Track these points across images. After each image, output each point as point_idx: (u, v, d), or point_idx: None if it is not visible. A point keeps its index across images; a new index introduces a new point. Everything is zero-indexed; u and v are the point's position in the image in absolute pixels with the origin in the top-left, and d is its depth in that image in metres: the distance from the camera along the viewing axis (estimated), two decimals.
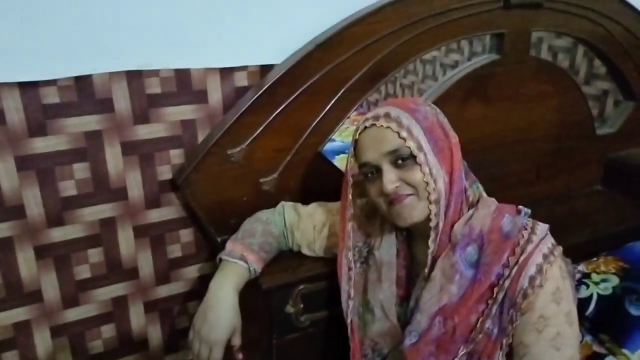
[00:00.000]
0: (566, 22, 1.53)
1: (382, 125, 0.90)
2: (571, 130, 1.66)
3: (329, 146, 2.14)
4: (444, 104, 1.38)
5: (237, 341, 1.04)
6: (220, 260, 1.08)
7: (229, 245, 1.11)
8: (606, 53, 1.65)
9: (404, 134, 0.89)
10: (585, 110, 1.67)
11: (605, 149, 1.76)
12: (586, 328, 1.37)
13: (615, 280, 1.37)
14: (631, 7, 1.62)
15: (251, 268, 1.07)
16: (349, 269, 1.05)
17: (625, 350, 1.26)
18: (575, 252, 1.44)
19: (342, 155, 2.17)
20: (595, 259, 1.45)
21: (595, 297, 1.35)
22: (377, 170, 0.92)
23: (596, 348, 1.32)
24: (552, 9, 1.48)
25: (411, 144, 0.89)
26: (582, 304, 1.35)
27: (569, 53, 2.18)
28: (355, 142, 0.95)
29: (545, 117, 1.59)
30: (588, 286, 1.37)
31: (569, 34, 1.59)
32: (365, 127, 0.93)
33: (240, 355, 1.04)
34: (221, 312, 1.01)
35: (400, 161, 0.90)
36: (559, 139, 1.65)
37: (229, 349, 1.02)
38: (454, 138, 0.96)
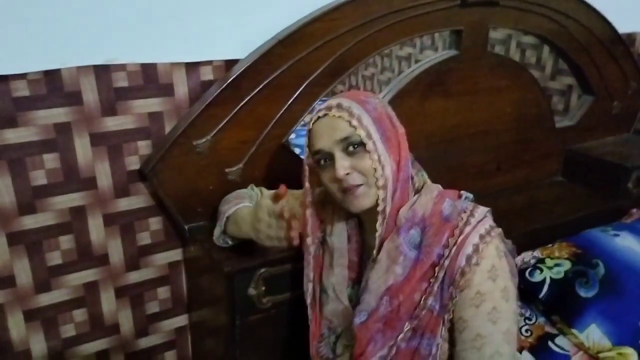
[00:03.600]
0: (523, 19, 1.59)
1: (334, 115, 0.94)
2: (531, 123, 1.72)
3: (302, 141, 2.20)
4: (404, 98, 1.45)
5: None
6: (227, 219, 1.15)
7: (224, 208, 1.18)
8: (564, 49, 1.72)
9: (354, 122, 0.93)
10: (544, 104, 1.74)
11: (564, 141, 1.83)
12: (539, 310, 1.44)
13: (567, 265, 1.43)
14: (587, 5, 1.69)
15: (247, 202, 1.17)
16: (309, 253, 1.09)
17: (574, 330, 1.33)
18: (533, 239, 1.53)
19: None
20: (550, 245, 1.52)
21: (548, 280, 1.41)
22: (330, 158, 0.96)
23: (548, 329, 1.39)
24: (509, 6, 1.54)
25: (361, 132, 0.93)
26: (535, 287, 1.42)
27: (536, 50, 2.24)
28: (309, 132, 1.00)
29: (504, 110, 1.65)
30: (542, 271, 1.44)
31: (526, 30, 1.65)
32: (319, 117, 0.97)
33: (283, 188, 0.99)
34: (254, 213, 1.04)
35: (351, 148, 0.94)
36: (518, 131, 1.71)
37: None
38: (401, 129, 1.01)
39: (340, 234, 1.07)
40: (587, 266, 1.41)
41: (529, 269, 1.45)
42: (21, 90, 1.12)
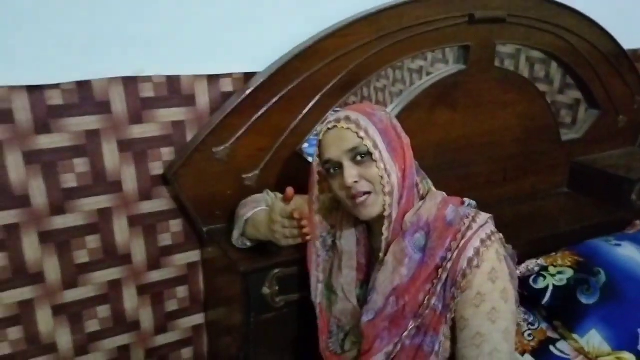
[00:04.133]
0: (530, 36, 1.65)
1: (342, 127, 1.00)
2: (536, 135, 1.78)
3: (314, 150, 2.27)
4: (413, 110, 1.52)
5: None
6: (246, 222, 1.21)
7: (242, 211, 1.24)
8: (570, 65, 1.77)
9: (362, 134, 0.99)
10: (550, 117, 1.79)
11: (570, 153, 1.88)
12: (542, 316, 1.48)
13: (569, 273, 1.48)
14: (593, 22, 1.75)
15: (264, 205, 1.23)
16: (317, 256, 1.16)
17: (575, 335, 1.38)
18: (537, 247, 1.58)
19: None
20: (554, 253, 1.57)
21: (551, 287, 1.46)
22: (339, 167, 1.02)
23: (550, 334, 1.43)
24: (515, 23, 1.60)
25: (368, 142, 0.99)
26: (538, 294, 1.47)
27: (545, 64, 2.30)
28: (320, 142, 1.06)
29: (510, 123, 1.71)
30: (545, 278, 1.49)
31: (533, 46, 1.71)
32: (328, 129, 1.03)
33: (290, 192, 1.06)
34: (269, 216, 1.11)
35: (359, 157, 1.01)
36: (524, 143, 1.76)
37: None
38: (406, 139, 1.07)
39: (349, 238, 1.13)
40: (589, 274, 1.46)
41: (533, 276, 1.50)
42: (55, 99, 1.21)
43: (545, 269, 1.51)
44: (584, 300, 1.42)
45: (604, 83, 1.85)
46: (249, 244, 1.25)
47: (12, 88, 1.16)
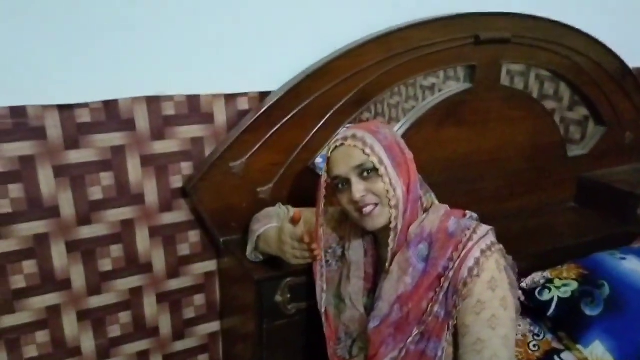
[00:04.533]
0: (535, 55, 1.71)
1: (350, 145, 1.06)
2: (543, 152, 1.82)
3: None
4: (421, 126, 1.58)
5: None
6: (259, 238, 1.28)
7: (255, 227, 1.31)
8: (576, 83, 1.82)
9: (368, 151, 1.05)
10: (557, 134, 1.84)
11: (577, 169, 1.92)
12: (547, 327, 1.52)
13: (574, 285, 1.51)
14: (598, 42, 1.80)
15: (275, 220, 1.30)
16: (321, 267, 1.23)
17: (579, 346, 1.41)
18: (543, 260, 1.61)
19: None
20: (559, 266, 1.61)
21: (556, 299, 1.49)
22: (347, 182, 1.09)
23: (555, 344, 1.46)
24: (521, 43, 1.66)
25: (374, 159, 1.05)
26: (544, 305, 1.50)
27: (554, 82, 2.34)
28: (328, 159, 1.12)
29: (517, 139, 1.76)
30: (550, 290, 1.52)
31: (539, 66, 1.76)
32: (336, 147, 1.09)
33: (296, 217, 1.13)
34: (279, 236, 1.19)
35: (365, 173, 1.06)
36: (531, 159, 1.81)
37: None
38: (409, 155, 1.13)
39: (357, 249, 1.19)
40: (593, 286, 1.49)
41: (539, 289, 1.53)
42: (84, 117, 1.29)
43: (550, 281, 1.54)
44: (588, 311, 1.45)
45: (610, 101, 1.89)
46: (261, 257, 1.32)
47: (45, 107, 1.25)
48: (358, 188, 1.07)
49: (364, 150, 1.06)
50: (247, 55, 1.40)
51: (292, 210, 1.34)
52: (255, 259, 1.32)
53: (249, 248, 1.32)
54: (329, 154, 1.11)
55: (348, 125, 1.36)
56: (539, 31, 1.67)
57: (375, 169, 1.06)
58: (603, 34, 1.80)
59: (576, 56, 1.77)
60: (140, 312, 1.50)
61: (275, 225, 1.29)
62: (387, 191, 1.06)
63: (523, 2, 1.65)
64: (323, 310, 1.23)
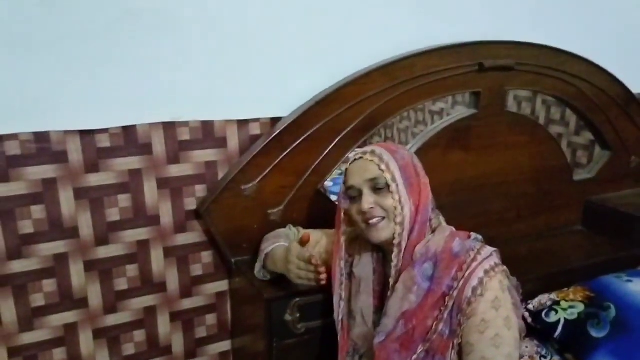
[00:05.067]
0: (538, 82, 1.75)
1: (367, 159, 1.13)
2: (549, 175, 1.85)
3: (338, 189, 2.37)
4: (428, 150, 1.62)
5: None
6: (267, 255, 1.34)
7: (264, 245, 1.37)
8: (580, 109, 1.86)
9: (383, 167, 1.11)
10: (562, 158, 1.87)
11: (583, 193, 1.94)
12: (554, 349, 1.53)
13: (580, 307, 1.52)
14: (601, 69, 1.84)
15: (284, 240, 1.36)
16: (341, 275, 1.25)
17: None
18: (550, 283, 1.63)
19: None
20: (566, 289, 1.62)
21: (562, 321, 1.51)
22: (359, 193, 1.14)
23: None
24: (525, 70, 1.70)
25: (387, 175, 1.11)
26: (550, 327, 1.52)
27: (560, 107, 2.38)
28: (346, 170, 1.18)
29: (522, 163, 1.79)
30: (557, 312, 1.54)
31: (543, 92, 1.81)
32: (355, 159, 1.16)
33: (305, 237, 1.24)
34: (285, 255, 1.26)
35: (377, 188, 1.12)
36: (537, 183, 1.84)
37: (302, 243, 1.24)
38: (424, 178, 1.18)
39: (366, 266, 1.23)
40: (599, 308, 1.50)
41: (545, 310, 1.55)
42: (104, 142, 1.35)
43: (557, 303, 1.56)
44: (594, 333, 1.46)
45: (615, 126, 1.92)
46: (268, 276, 1.36)
47: (67, 132, 1.31)
48: (368, 200, 1.12)
49: (379, 166, 1.12)
50: (259, 83, 1.46)
51: (302, 232, 1.38)
52: (263, 277, 1.37)
53: (257, 266, 1.36)
54: (348, 165, 1.18)
55: (356, 150, 1.41)
56: (542, 58, 1.72)
57: (387, 185, 1.12)
58: (606, 60, 1.84)
59: (580, 83, 1.81)
60: (154, 330, 1.53)
61: (283, 244, 1.34)
62: (395, 208, 1.11)
63: (526, 31, 1.70)
64: (340, 319, 1.25)
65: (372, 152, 1.14)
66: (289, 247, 1.24)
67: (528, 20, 1.73)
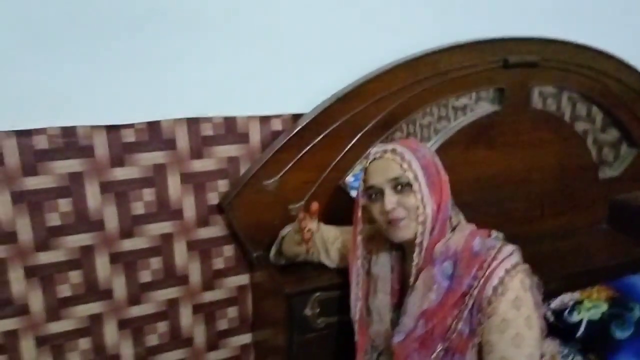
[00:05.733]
0: (564, 79, 1.72)
1: (388, 158, 1.12)
2: (573, 173, 1.82)
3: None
4: (450, 147, 1.61)
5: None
6: (283, 238, 1.40)
7: (281, 233, 1.42)
8: (606, 105, 1.83)
9: (405, 166, 1.10)
10: (587, 155, 1.84)
11: (608, 191, 1.90)
12: (577, 349, 1.51)
13: (604, 307, 1.50)
14: (627, 65, 1.80)
15: None
16: (358, 274, 1.25)
17: None
18: (573, 282, 1.61)
19: None
20: (590, 288, 1.60)
21: (585, 321, 1.49)
22: (381, 193, 1.12)
23: None
24: (549, 67, 1.68)
25: (409, 174, 1.10)
26: (573, 327, 1.50)
27: (586, 103, 2.34)
28: (366, 169, 1.16)
29: (547, 161, 1.76)
30: (580, 311, 1.52)
31: (568, 88, 1.78)
32: (375, 158, 1.14)
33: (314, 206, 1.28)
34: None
35: (399, 187, 1.11)
36: (561, 181, 1.81)
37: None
38: (445, 176, 1.16)
39: (384, 264, 1.23)
40: (624, 309, 1.48)
41: (568, 310, 1.53)
42: (129, 137, 1.38)
43: (580, 302, 1.53)
44: (617, 334, 1.44)
45: None
46: (283, 261, 1.39)
47: (94, 127, 1.34)
48: (390, 200, 1.11)
49: (401, 165, 1.11)
50: (281, 79, 1.47)
51: (322, 227, 1.39)
52: (277, 261, 1.39)
53: (273, 249, 1.39)
54: (367, 164, 1.16)
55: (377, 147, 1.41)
56: (567, 55, 1.69)
57: (409, 184, 1.10)
58: (634, 57, 1.81)
59: (606, 79, 1.78)
60: (177, 322, 1.56)
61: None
62: (418, 207, 1.10)
63: (551, 26, 1.67)
64: (357, 317, 1.25)
65: (393, 151, 1.12)
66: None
67: (553, 15, 1.70)
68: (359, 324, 1.26)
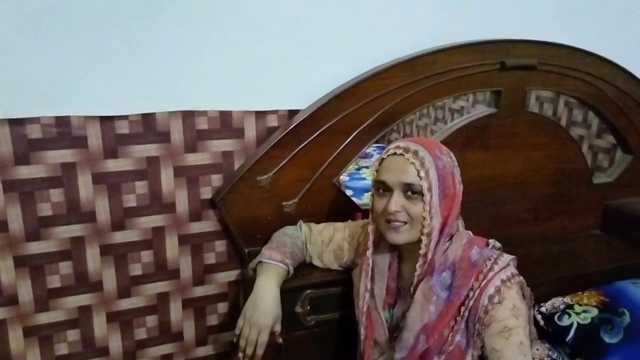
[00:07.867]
0: (560, 83, 1.72)
1: (408, 159, 1.06)
2: (568, 178, 1.82)
3: (358, 184, 2.35)
4: None
5: (278, 327, 1.21)
6: (260, 262, 1.27)
7: (266, 252, 1.28)
8: (602, 111, 1.83)
9: (422, 174, 1.05)
10: (582, 160, 1.84)
11: (603, 196, 1.91)
12: (566, 352, 1.52)
13: (594, 312, 1.51)
14: (624, 71, 1.80)
15: (289, 269, 1.27)
16: (368, 265, 1.19)
17: None
18: (564, 286, 1.61)
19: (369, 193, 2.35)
20: (581, 292, 1.61)
21: (575, 325, 1.49)
22: (389, 191, 1.08)
23: None
24: (547, 70, 1.68)
25: (424, 184, 1.05)
26: (563, 331, 1.50)
27: (582, 109, 2.35)
28: (382, 161, 1.10)
29: (541, 164, 1.76)
30: (570, 316, 1.52)
31: (565, 93, 1.78)
32: (395, 153, 1.08)
33: (280, 340, 1.23)
34: (268, 303, 1.19)
35: (410, 192, 1.06)
36: (556, 185, 1.81)
37: (271, 334, 1.20)
38: (460, 189, 1.13)
39: (384, 258, 1.20)
40: (613, 314, 1.48)
41: (558, 314, 1.53)
42: (123, 128, 1.37)
43: (570, 307, 1.54)
44: (607, 339, 1.44)
45: (638, 129, 1.88)
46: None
47: (88, 117, 1.33)
48: (396, 201, 1.07)
49: (419, 172, 1.06)
50: (278, 75, 1.46)
51: (313, 227, 1.38)
52: (251, 273, 1.33)
53: (252, 263, 1.31)
54: (385, 156, 1.11)
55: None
56: (565, 59, 1.69)
57: (421, 193, 1.06)
58: (631, 63, 1.81)
59: (603, 84, 1.78)
60: (166, 316, 1.55)
61: (275, 265, 1.27)
62: (424, 218, 1.07)
63: (549, 30, 1.67)
64: (365, 309, 1.20)
65: (415, 153, 1.07)
66: (256, 298, 1.21)
67: (552, 19, 1.70)
68: (368, 313, 1.21)
